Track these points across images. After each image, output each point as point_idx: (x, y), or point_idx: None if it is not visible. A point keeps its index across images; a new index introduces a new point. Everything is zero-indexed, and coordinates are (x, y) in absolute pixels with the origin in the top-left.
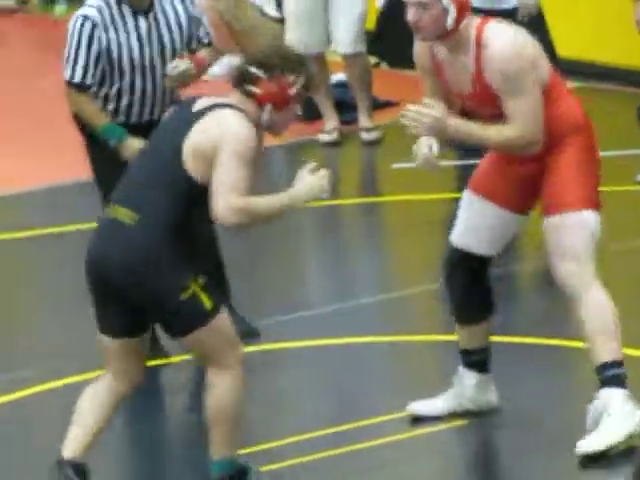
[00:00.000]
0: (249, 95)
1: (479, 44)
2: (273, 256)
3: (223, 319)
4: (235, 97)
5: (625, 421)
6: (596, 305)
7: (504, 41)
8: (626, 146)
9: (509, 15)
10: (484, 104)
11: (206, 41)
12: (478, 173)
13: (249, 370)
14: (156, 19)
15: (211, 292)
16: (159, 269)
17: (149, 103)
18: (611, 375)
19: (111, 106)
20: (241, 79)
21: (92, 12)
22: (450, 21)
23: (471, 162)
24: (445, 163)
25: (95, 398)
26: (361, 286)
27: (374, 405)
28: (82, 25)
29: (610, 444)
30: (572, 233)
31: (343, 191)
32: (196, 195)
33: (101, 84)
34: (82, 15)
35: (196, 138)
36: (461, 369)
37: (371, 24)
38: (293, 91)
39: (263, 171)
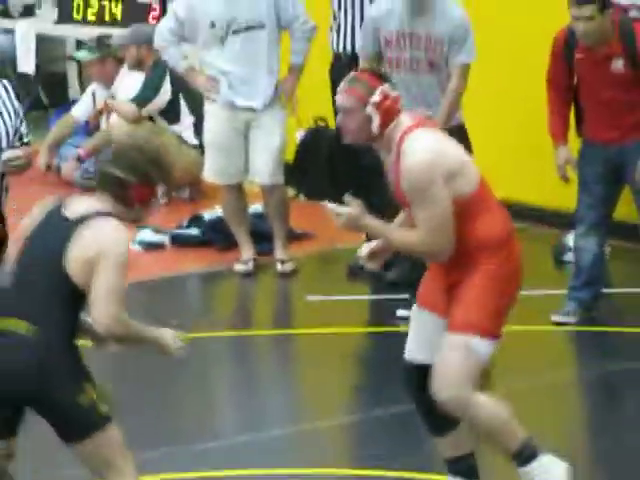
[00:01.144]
0: (118, 198)
1: (399, 151)
2: (184, 384)
3: (115, 427)
4: (103, 199)
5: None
6: (484, 420)
7: (417, 151)
8: (542, 285)
9: None
10: (408, 207)
11: (26, 140)
12: (422, 285)
13: None
14: None
15: (103, 400)
16: (60, 376)
17: None
18: (527, 456)
19: None
20: (110, 183)
21: None
22: (375, 127)
23: (385, 297)
24: (359, 297)
25: None
26: (271, 417)
27: None
28: None
29: None
30: (454, 357)
31: (257, 322)
32: (78, 298)
33: None
34: None
35: (79, 249)
36: (449, 478)
37: (290, 156)
38: (159, 192)
39: (175, 300)
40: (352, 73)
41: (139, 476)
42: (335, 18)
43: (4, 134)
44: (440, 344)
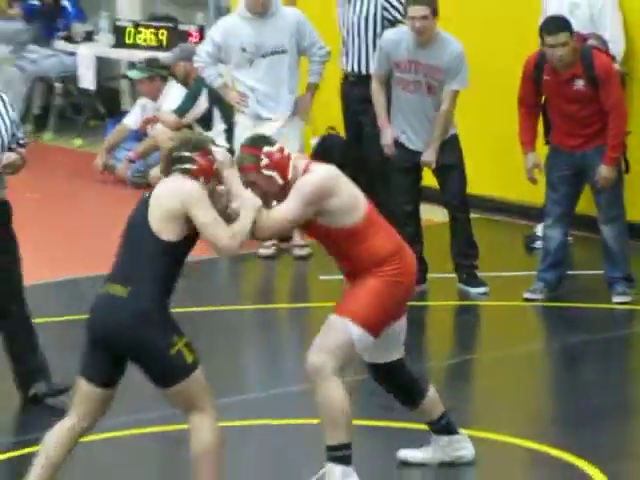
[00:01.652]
0: (185, 172)
1: None
2: (216, 347)
3: (200, 371)
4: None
5: None
6: (327, 396)
7: (313, 172)
8: (515, 268)
9: None
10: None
11: (23, 142)
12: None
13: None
14: None
15: (191, 348)
16: (153, 331)
17: None
18: (334, 456)
19: None
20: (174, 163)
21: None
22: (279, 181)
23: None
24: None
25: (60, 437)
26: (289, 376)
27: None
28: None
29: None
30: (330, 332)
31: (277, 297)
32: (177, 255)
33: None
34: None
35: (158, 207)
36: (433, 436)
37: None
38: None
39: (208, 279)
40: (236, 154)
41: (183, 423)
42: (344, 44)
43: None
44: (384, 342)
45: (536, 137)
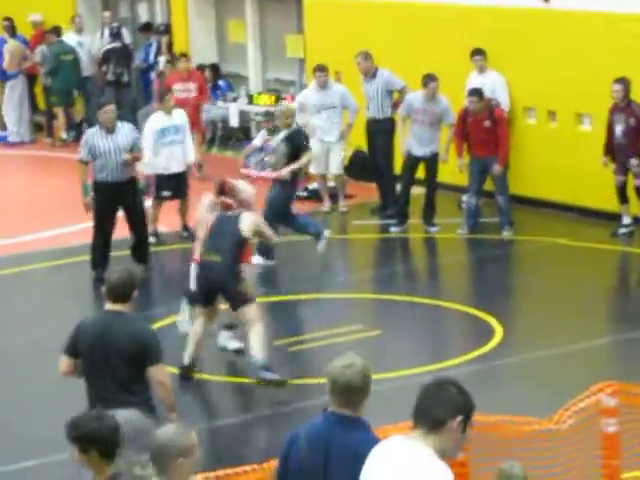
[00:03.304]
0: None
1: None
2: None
3: (254, 298)
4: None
5: None
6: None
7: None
8: (452, 218)
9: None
10: None
11: (141, 148)
12: None
13: None
14: (116, 135)
15: (249, 288)
16: (234, 278)
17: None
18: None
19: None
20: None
21: (91, 130)
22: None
23: (384, 222)
24: (376, 222)
25: (200, 326)
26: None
27: None
28: (86, 134)
29: None
30: None
31: (332, 232)
32: (242, 245)
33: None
34: (87, 132)
35: (244, 224)
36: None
37: (346, 161)
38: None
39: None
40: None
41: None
42: (367, 103)
43: (122, 148)
44: None
45: (463, 150)
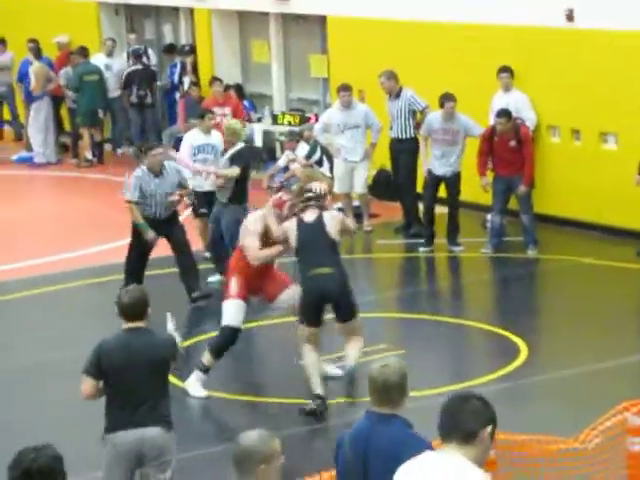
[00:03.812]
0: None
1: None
2: None
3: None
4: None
5: None
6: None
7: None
8: (476, 237)
9: None
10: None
11: (185, 185)
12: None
13: None
14: (164, 178)
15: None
16: (347, 288)
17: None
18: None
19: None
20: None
21: (139, 172)
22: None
23: (409, 241)
24: (401, 241)
25: (313, 354)
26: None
27: None
28: (135, 177)
29: None
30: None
31: (355, 252)
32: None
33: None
34: (135, 174)
35: (330, 227)
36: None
37: (370, 180)
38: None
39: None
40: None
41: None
42: (391, 122)
43: (170, 190)
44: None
45: (487, 169)
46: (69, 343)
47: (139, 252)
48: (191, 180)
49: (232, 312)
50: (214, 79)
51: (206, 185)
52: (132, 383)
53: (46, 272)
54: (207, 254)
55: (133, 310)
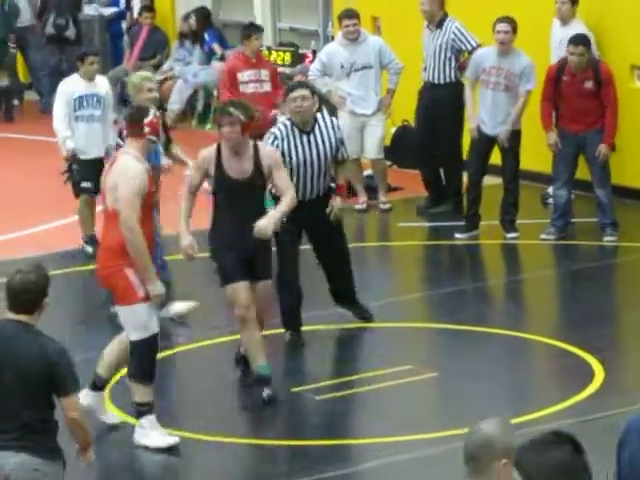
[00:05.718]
0: None
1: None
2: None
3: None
4: None
5: None
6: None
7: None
8: (535, 217)
9: None
10: None
11: (340, 159)
12: None
13: None
14: (315, 136)
15: None
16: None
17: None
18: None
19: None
20: None
21: (276, 130)
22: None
23: (440, 224)
24: (425, 224)
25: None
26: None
27: None
28: (270, 139)
29: None
30: None
31: (368, 238)
32: None
33: None
34: (271, 132)
35: None
36: None
37: (388, 141)
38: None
39: None
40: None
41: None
42: (425, 62)
43: (322, 155)
44: None
45: (552, 121)
46: None
47: None
48: (70, 142)
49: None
50: (252, 26)
51: (93, 151)
52: None
53: None
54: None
55: (18, 298)
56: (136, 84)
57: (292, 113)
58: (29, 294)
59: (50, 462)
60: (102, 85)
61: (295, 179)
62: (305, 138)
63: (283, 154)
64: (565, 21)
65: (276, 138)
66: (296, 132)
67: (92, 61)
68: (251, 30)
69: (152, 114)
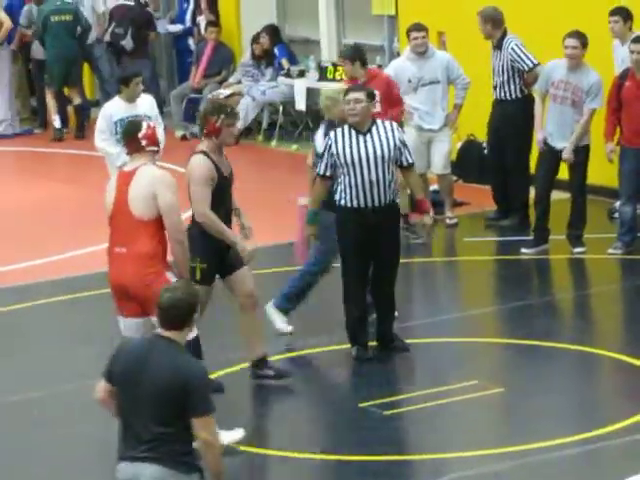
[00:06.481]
0: None
1: None
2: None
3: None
4: None
5: None
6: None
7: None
8: (601, 232)
9: None
10: None
11: (405, 164)
12: None
13: None
14: (372, 136)
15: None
16: None
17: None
18: None
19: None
20: None
21: (332, 132)
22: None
23: (509, 238)
24: (493, 239)
25: None
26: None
27: None
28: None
29: None
30: None
31: (435, 253)
32: None
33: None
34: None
35: None
36: None
37: (454, 157)
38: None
39: None
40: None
41: None
42: (493, 80)
43: (380, 156)
44: None
45: (615, 132)
46: (49, 377)
47: None
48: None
49: None
50: (356, 53)
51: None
52: (135, 400)
53: (9, 284)
54: None
55: (168, 314)
56: (333, 97)
57: (346, 115)
58: (177, 310)
59: (185, 475)
60: (143, 105)
61: (354, 181)
62: (362, 138)
63: (338, 155)
64: (622, 39)
65: (330, 139)
66: (353, 133)
67: (138, 82)
68: (355, 53)
69: (145, 126)
